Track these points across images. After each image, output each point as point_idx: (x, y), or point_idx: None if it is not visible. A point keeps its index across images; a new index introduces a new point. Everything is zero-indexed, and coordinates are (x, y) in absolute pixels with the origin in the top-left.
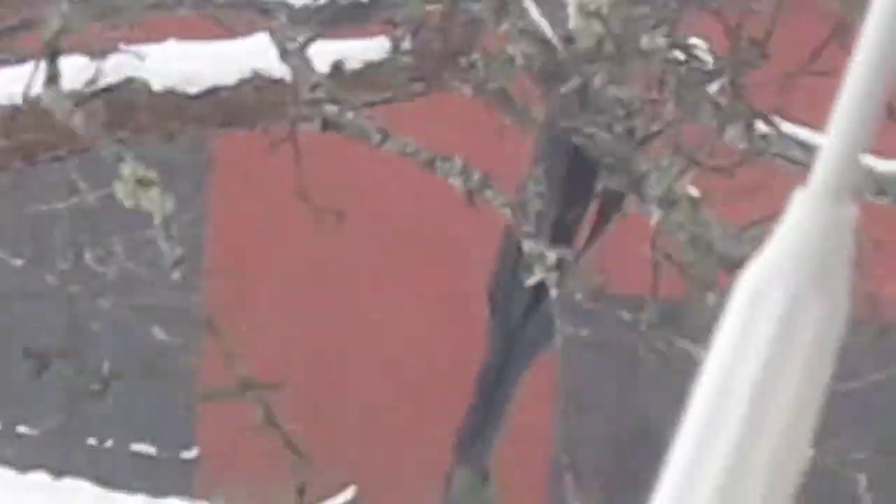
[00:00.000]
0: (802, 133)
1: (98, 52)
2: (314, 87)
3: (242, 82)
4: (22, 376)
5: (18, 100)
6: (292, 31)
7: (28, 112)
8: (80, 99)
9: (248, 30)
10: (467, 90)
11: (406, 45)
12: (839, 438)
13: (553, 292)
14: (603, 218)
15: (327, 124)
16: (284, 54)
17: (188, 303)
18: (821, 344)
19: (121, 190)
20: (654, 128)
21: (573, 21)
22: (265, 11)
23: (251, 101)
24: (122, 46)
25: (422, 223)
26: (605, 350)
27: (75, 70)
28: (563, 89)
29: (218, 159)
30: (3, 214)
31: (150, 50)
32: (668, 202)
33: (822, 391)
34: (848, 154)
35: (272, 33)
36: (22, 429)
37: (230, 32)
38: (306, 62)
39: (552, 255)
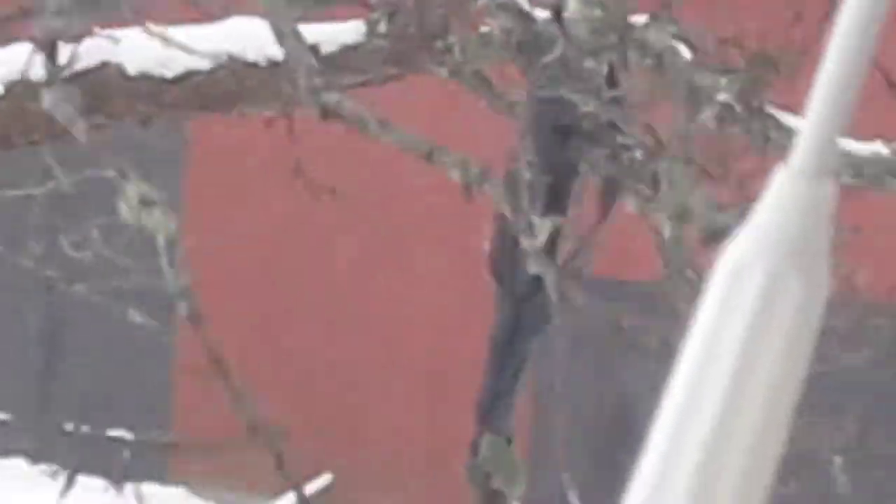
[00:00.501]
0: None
1: (73, 36)
2: (311, 73)
3: (218, 67)
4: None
5: None
6: (287, 9)
7: (3, 98)
8: (55, 82)
9: (223, 13)
10: (443, 73)
11: (382, 28)
12: (817, 421)
13: (550, 269)
14: (604, 207)
15: (326, 112)
16: (280, 36)
17: (164, 286)
18: (801, 321)
19: (124, 210)
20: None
21: (571, 6)
22: None
23: (227, 85)
24: (96, 30)
25: (419, 201)
26: (582, 337)
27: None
28: (545, 59)
29: (195, 142)
30: None
31: (125, 34)
32: (679, 216)
33: (803, 369)
34: (827, 134)
35: (266, 13)
36: None
37: (205, 16)
38: (302, 44)
39: (546, 225)
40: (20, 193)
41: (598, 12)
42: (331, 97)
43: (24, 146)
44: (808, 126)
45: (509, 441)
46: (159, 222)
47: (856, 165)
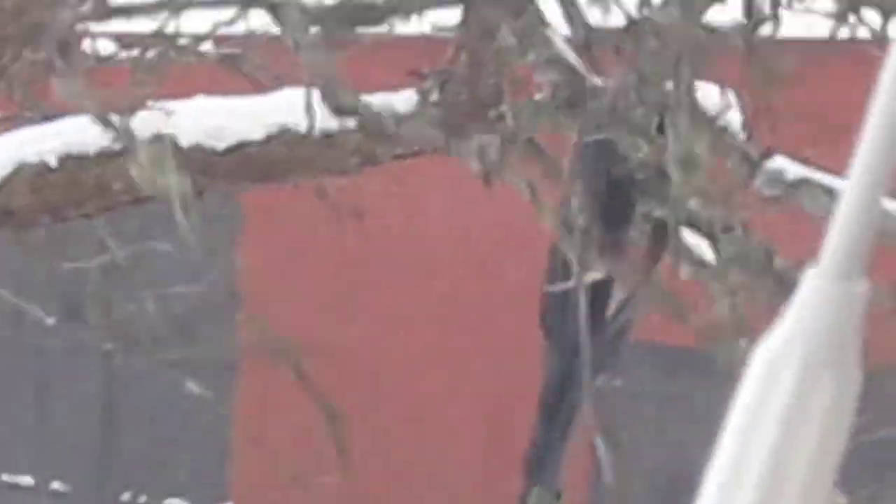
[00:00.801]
0: (829, 179)
1: (125, 109)
2: (333, 82)
3: (270, 137)
4: (55, 434)
5: (46, 157)
6: (304, 27)
7: (57, 169)
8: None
9: (276, 84)
10: (496, 141)
11: (434, 96)
12: (875, 485)
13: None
14: (654, 252)
15: (366, 159)
16: (298, 48)
17: (221, 354)
18: (834, 417)
19: (136, 172)
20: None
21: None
22: (275, 8)
23: (280, 156)
24: (149, 102)
25: (460, 257)
26: (636, 397)
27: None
28: (594, 106)
29: (249, 210)
30: (35, 272)
31: (177, 106)
32: (686, 163)
33: (835, 467)
34: (856, 235)
35: (283, 31)
36: (55, 485)
37: (258, 87)
38: (326, 56)
39: (601, 271)
40: (75, 266)
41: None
42: (345, 95)
43: (76, 218)
44: (837, 227)
45: (559, 496)
46: (174, 183)
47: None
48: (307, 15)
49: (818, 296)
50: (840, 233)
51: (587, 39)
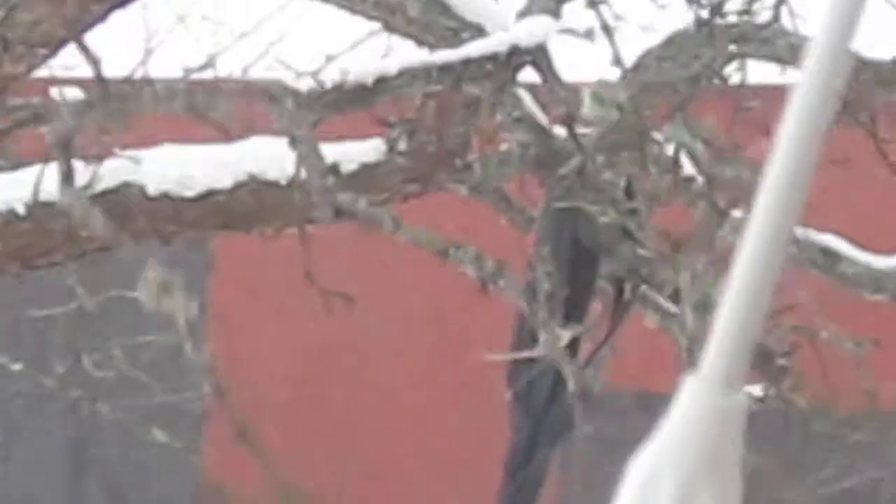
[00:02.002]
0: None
1: (93, 157)
2: (325, 174)
3: (238, 185)
4: (22, 485)
5: (15, 205)
6: (298, 116)
7: (25, 217)
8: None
9: (243, 133)
10: (463, 191)
11: (402, 145)
12: None
13: (570, 381)
14: (618, 312)
15: (339, 212)
16: (293, 142)
17: (188, 404)
18: None
19: (144, 293)
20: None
21: (587, 108)
22: (272, 98)
23: (248, 204)
24: (117, 150)
25: (433, 312)
26: (608, 445)
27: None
28: (563, 170)
29: (218, 257)
30: (1, 319)
31: (145, 154)
32: (704, 307)
33: None
34: (737, 345)
35: (279, 120)
36: None
37: (225, 136)
38: (315, 150)
39: (566, 334)
40: (43, 313)
41: (614, 114)
42: (345, 198)
43: (45, 266)
44: (717, 337)
45: None
46: (180, 305)
47: (877, 280)
48: (300, 101)
49: (698, 407)
50: (720, 342)
51: (559, 101)
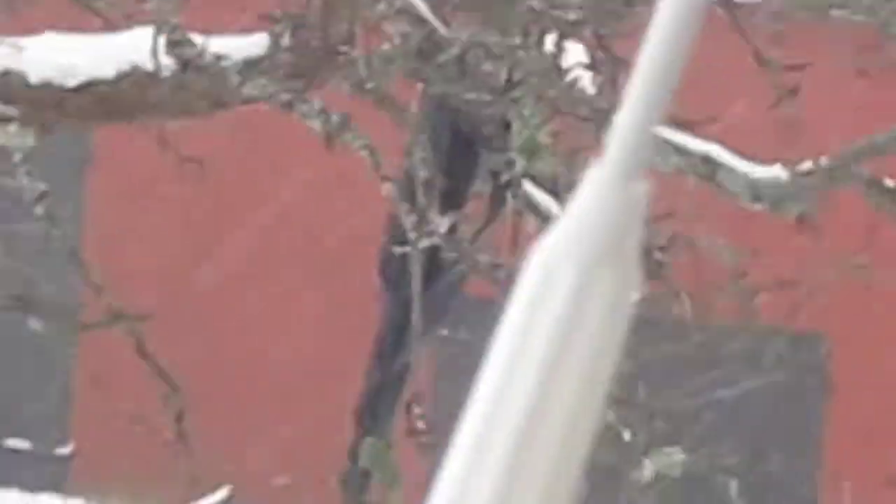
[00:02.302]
0: (702, 146)
1: None
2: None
3: (121, 76)
4: None
5: None
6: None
7: None
8: None
9: (127, 23)
10: (346, 87)
11: (285, 41)
12: (714, 444)
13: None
14: (496, 203)
15: (186, 65)
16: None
17: (65, 297)
18: (611, 318)
19: None
20: (517, 76)
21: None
22: None
23: (131, 95)
24: None
25: (309, 210)
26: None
27: None
28: (442, 58)
29: (97, 152)
30: None
31: (28, 42)
32: (530, 151)
33: (612, 368)
34: (640, 131)
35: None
36: None
37: (109, 26)
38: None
39: (444, 221)
40: None
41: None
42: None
43: None
44: (621, 123)
45: (389, 445)
46: (16, 137)
47: (755, 189)
48: None
49: (598, 195)
50: (622, 133)
51: None
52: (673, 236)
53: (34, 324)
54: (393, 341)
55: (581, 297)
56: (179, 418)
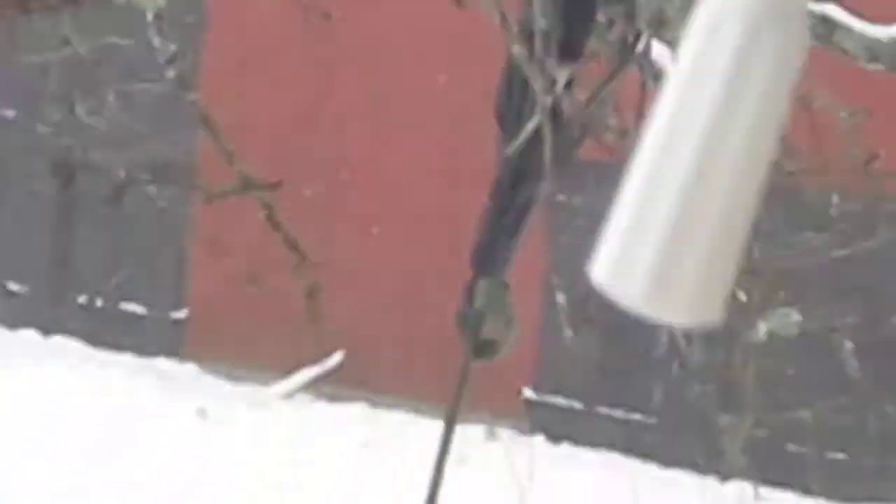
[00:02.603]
0: (820, 6)
1: None
2: None
3: None
4: (11, 232)
5: None
6: None
7: None
8: None
9: None
10: None
11: None
12: (828, 305)
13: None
14: (617, 63)
15: None
16: None
17: (180, 156)
18: (777, 76)
19: None
20: None
21: None
22: None
23: None
24: None
25: (431, 63)
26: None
27: None
28: None
29: (212, 18)
30: None
31: None
32: (658, 23)
33: (779, 123)
34: None
35: None
36: (13, 286)
37: None
38: None
39: (563, 73)
40: (38, 59)
41: None
42: None
43: (40, 10)
44: None
45: (506, 287)
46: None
47: (872, 50)
48: None
49: None
50: None
51: None
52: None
53: (153, 190)
54: (508, 186)
55: (746, 55)
56: (311, 292)
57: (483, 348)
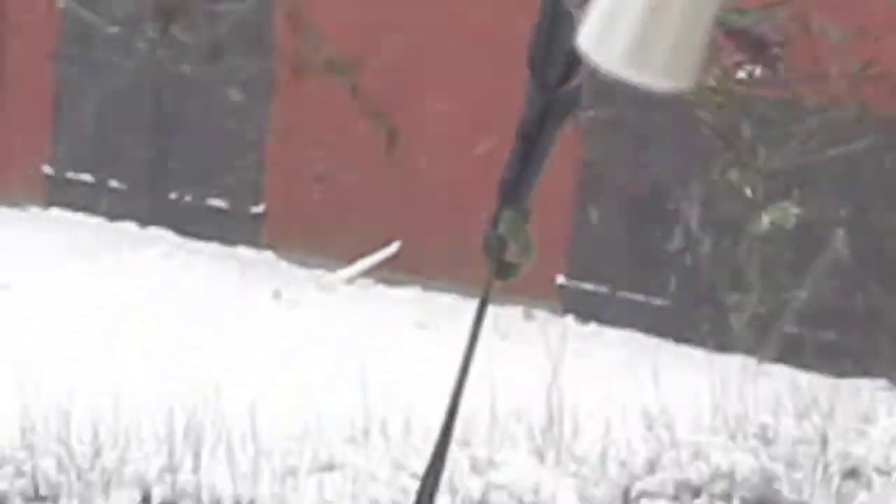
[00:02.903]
0: None
1: None
2: None
3: None
4: (113, 138)
5: None
6: None
7: None
8: None
9: None
10: None
11: None
12: (824, 200)
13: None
14: None
15: None
16: None
17: (261, 65)
18: None
19: None
20: None
21: None
22: None
23: None
24: None
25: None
26: (620, 127)
27: None
28: None
29: None
30: None
31: None
32: None
33: None
34: None
35: None
36: (113, 183)
37: None
38: None
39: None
40: None
41: None
42: None
43: None
44: None
45: (526, 217)
46: None
47: None
48: None
49: None
50: None
51: None
52: (788, 19)
53: (234, 93)
54: (534, 125)
55: None
56: (391, 139)
57: (504, 270)
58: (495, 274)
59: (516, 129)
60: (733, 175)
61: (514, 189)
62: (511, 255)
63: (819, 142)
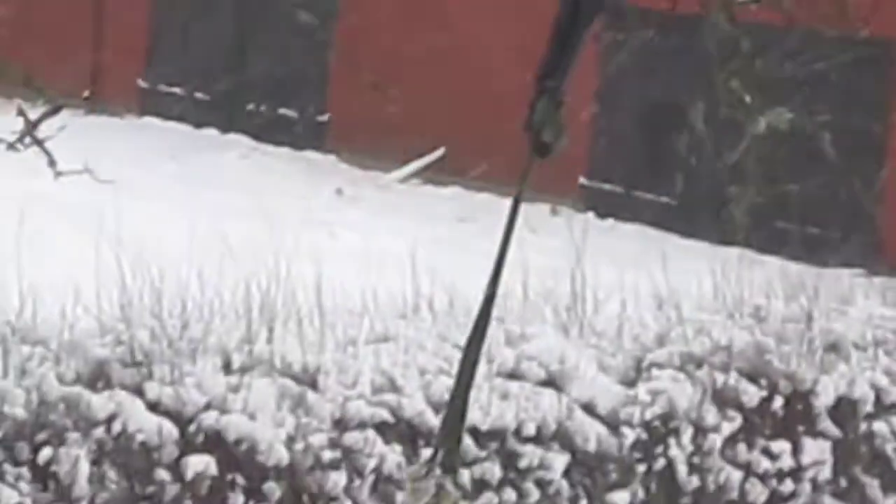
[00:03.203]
0: None
1: None
2: None
3: None
4: (199, 56)
5: None
6: None
7: None
8: None
9: None
10: None
11: None
12: (814, 106)
13: None
14: None
15: None
16: None
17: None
18: None
19: None
20: None
21: None
22: None
23: None
24: None
25: None
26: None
27: None
28: None
29: None
30: None
31: None
32: None
33: None
34: None
35: None
36: (199, 95)
37: None
38: None
39: None
40: None
41: None
42: None
43: None
44: None
45: (559, 105)
46: None
47: None
48: None
49: None
50: None
51: None
52: None
53: (303, 15)
54: (567, 23)
55: None
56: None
57: (541, 149)
58: (534, 153)
59: (551, 26)
60: (734, 83)
61: (549, 79)
62: (547, 136)
63: (807, 57)
